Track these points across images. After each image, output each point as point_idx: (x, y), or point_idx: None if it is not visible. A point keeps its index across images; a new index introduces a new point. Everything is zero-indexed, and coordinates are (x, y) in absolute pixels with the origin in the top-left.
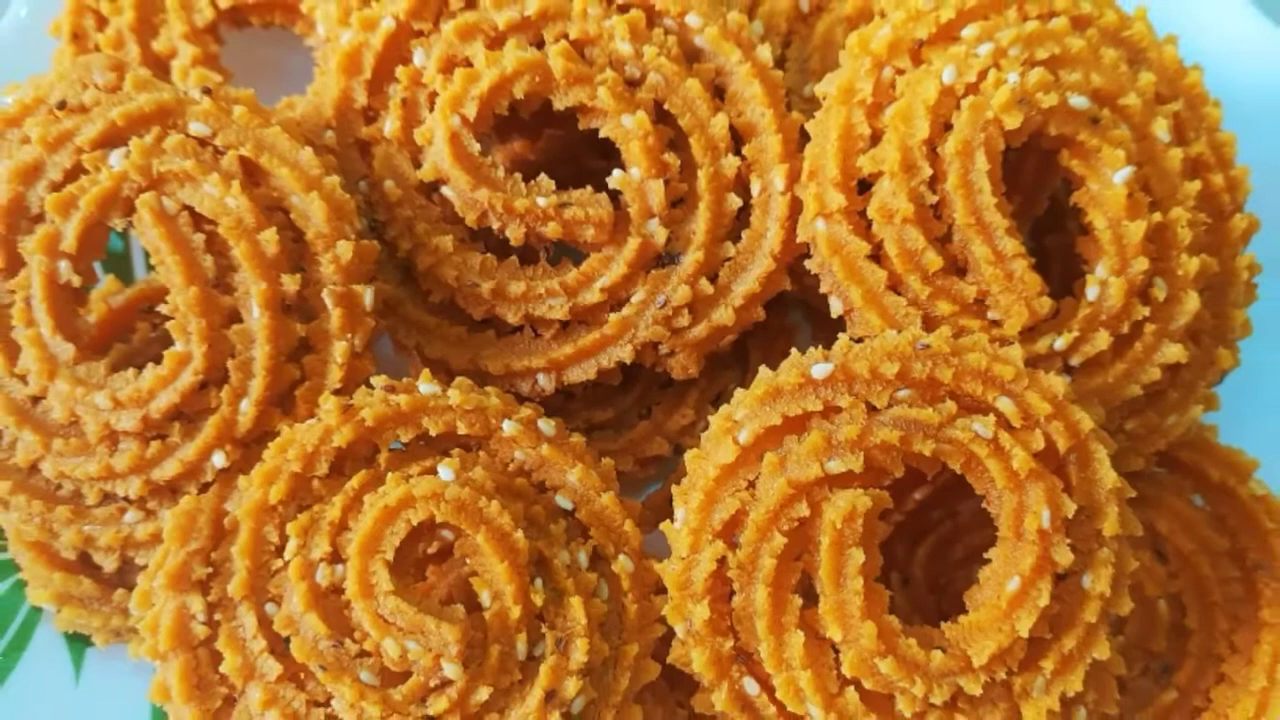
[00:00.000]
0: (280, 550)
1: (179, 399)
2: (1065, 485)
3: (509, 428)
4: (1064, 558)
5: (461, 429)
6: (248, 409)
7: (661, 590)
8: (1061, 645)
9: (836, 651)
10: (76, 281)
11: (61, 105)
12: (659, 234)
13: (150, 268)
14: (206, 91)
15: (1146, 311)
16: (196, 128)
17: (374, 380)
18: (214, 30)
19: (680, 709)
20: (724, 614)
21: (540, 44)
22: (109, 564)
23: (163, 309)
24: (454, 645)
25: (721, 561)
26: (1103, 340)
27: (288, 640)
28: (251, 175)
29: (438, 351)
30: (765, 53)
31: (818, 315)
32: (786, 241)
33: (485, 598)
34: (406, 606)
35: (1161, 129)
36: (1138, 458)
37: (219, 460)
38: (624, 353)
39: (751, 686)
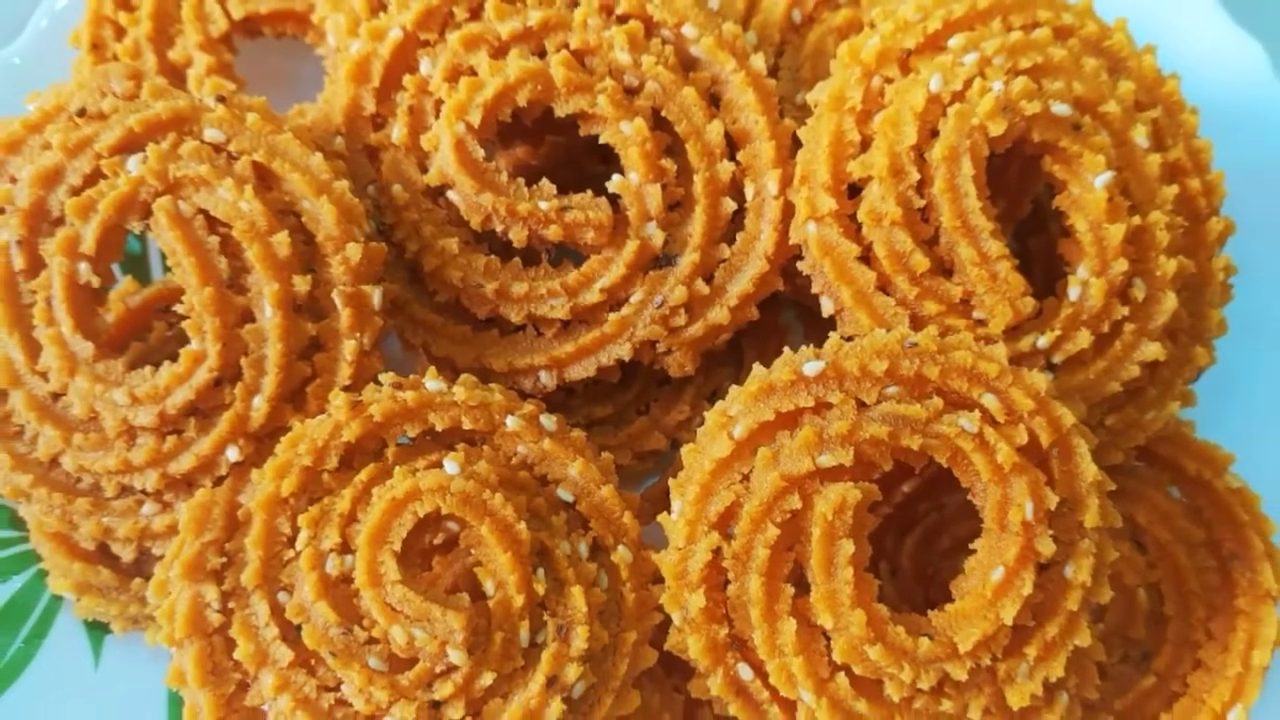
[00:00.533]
0: (292, 541)
1: (194, 395)
2: (1048, 478)
3: (512, 423)
4: (1046, 548)
5: (466, 424)
6: (260, 405)
7: (659, 579)
8: (1044, 632)
9: (827, 638)
10: (96, 282)
11: (81, 112)
12: (657, 236)
13: (167, 269)
14: (221, 99)
15: (1126, 311)
16: (211, 134)
17: (382, 377)
18: (228, 40)
19: (677, 694)
20: (719, 602)
21: (542, 54)
22: (127, 554)
23: (179, 309)
24: (459, 632)
25: (717, 552)
26: (1084, 339)
27: (299, 628)
28: (264, 180)
29: (443, 350)
30: (759, 62)
31: (809, 315)
32: (779, 244)
33: (489, 587)
34: (413, 595)
35: (1140, 135)
36: (1117, 452)
37: (233, 454)
38: (623, 351)
39: (745, 672)
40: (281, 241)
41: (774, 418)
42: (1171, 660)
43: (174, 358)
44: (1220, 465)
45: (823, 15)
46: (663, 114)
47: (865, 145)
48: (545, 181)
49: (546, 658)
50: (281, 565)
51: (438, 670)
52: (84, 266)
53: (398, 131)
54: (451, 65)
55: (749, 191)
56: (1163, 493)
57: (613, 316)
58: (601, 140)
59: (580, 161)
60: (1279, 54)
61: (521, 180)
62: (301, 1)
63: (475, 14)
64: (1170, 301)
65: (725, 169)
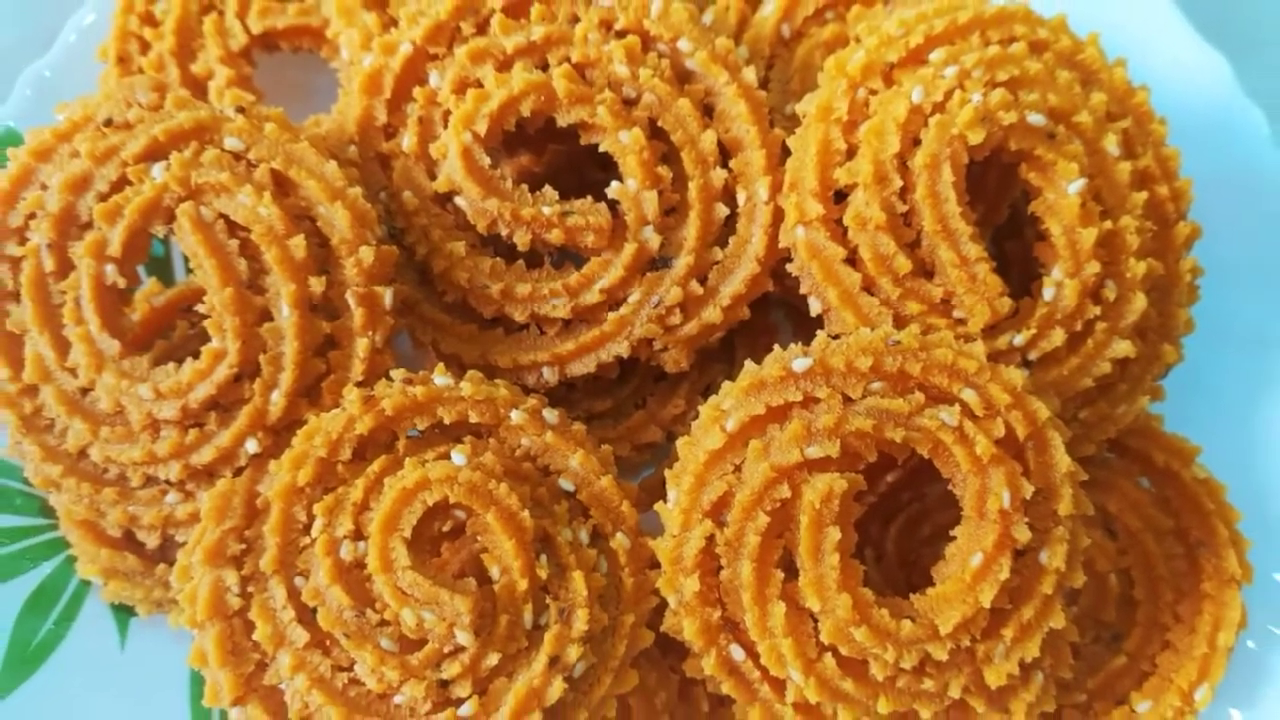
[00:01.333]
0: (307, 528)
1: (215, 390)
2: (1024, 469)
3: (516, 417)
4: (1023, 535)
5: (473, 418)
6: (278, 399)
7: (655, 565)
8: (1020, 615)
9: (815, 621)
10: (121, 283)
11: (108, 122)
12: (653, 240)
13: (189, 271)
14: (240, 110)
15: (1098, 311)
16: (231, 143)
17: (393, 373)
18: (247, 54)
19: (673, 673)
20: (712, 586)
21: (545, 67)
22: (151, 541)
23: (200, 308)
24: (466, 615)
25: (710, 539)
26: (1058, 337)
27: (315, 610)
28: (281, 186)
29: (451, 347)
30: (750, 75)
31: (798, 314)
32: (770, 247)
33: (494, 572)
34: (423, 580)
35: (1112, 144)
36: (1090, 444)
37: (252, 446)
38: (621, 348)
39: (737, 653)
40: (298, 244)
41: (764, 412)
42: (1141, 641)
43: (196, 355)
44: (1187, 457)
45: (811, 30)
46: (659, 124)
47: (851, 154)
48: (548, 188)
49: (549, 639)
50: (298, 551)
51: (446, 651)
52: (111, 268)
53: (408, 140)
54: (459, 78)
55: (741, 197)
56: (1133, 483)
57: (612, 316)
58: (601, 149)
59: (581, 169)
60: (1242, 67)
61: (525, 186)
62: (317, 18)
63: (481, 29)
64: (1140, 301)
65: (718, 176)
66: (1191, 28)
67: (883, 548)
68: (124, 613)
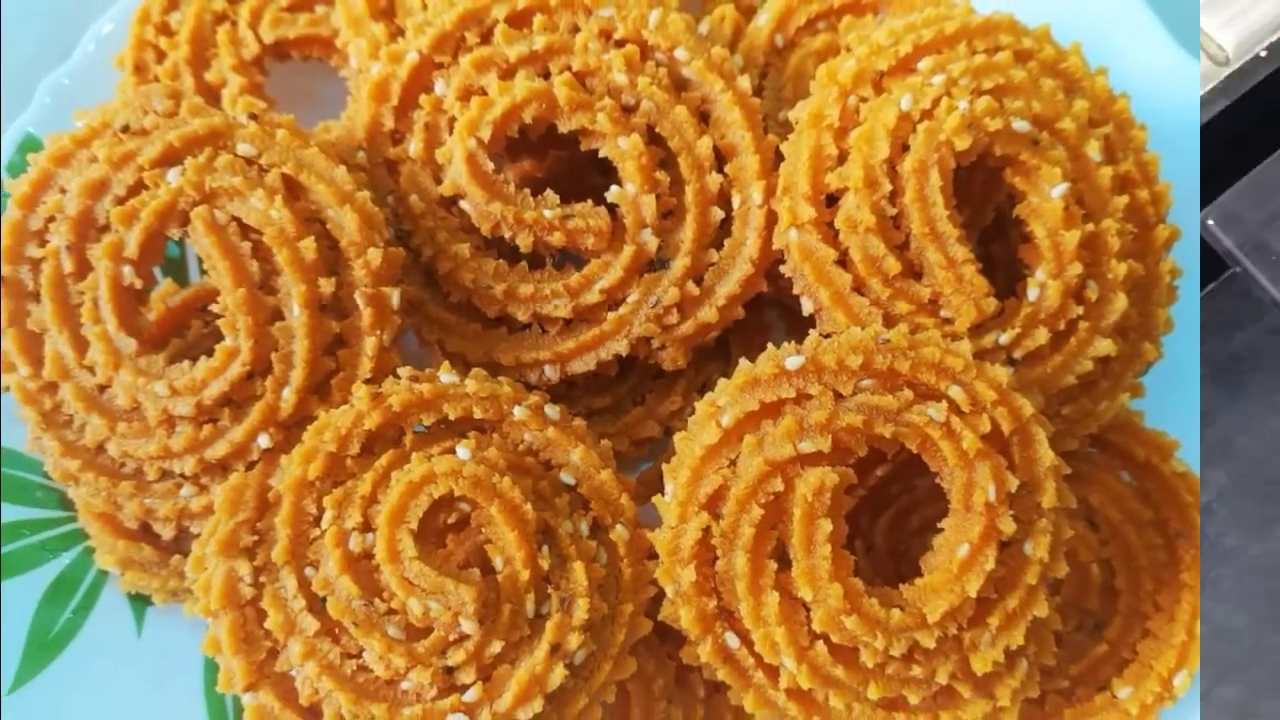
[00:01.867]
0: (318, 521)
1: (228, 387)
2: (1009, 463)
3: (519, 413)
4: (1008, 527)
5: (477, 414)
6: (289, 396)
7: (653, 556)
8: (1006, 604)
9: (808, 610)
10: (138, 284)
11: (125, 129)
12: (651, 242)
13: (203, 272)
14: (253, 117)
15: (1080, 310)
16: (244, 148)
17: (400, 371)
18: (259, 63)
19: (670, 660)
20: (708, 577)
21: (547, 75)
22: (167, 533)
23: (214, 308)
24: (470, 604)
25: (706, 530)
26: (1042, 336)
27: (324, 600)
28: (292, 190)
29: (456, 346)
30: (745, 83)
31: (791, 314)
32: (763, 249)
33: (498, 563)
34: (428, 570)
35: (1094, 150)
36: (1073, 439)
37: (264, 441)
38: (620, 347)
39: (732, 640)
40: (308, 247)
41: (759, 408)
42: (1122, 629)
43: (210, 353)
44: (1166, 451)
45: (803, 40)
46: (657, 130)
47: (842, 159)
48: (549, 192)
49: (551, 627)
50: (308, 543)
51: (451, 639)
52: (127, 269)
53: (414, 146)
54: (464, 86)
55: (736, 201)
56: (1114, 476)
57: (611, 315)
58: (601, 154)
59: (581, 173)
60: None
61: (528, 191)
62: (327, 27)
63: (485, 39)
64: (1121, 302)
65: (714, 180)
66: (1171, 38)
67: (873, 539)
68: (140, 602)
